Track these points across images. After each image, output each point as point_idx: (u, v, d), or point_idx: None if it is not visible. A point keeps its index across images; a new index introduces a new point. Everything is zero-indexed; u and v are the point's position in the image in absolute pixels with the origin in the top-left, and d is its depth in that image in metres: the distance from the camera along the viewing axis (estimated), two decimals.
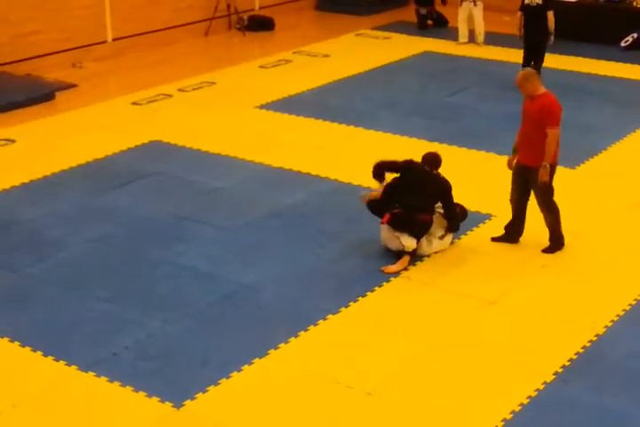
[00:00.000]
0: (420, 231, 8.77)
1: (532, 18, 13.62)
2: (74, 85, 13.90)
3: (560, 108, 8.69)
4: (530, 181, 8.88)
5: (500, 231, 9.25)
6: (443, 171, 9.13)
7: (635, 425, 6.68)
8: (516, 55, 14.65)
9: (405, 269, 8.66)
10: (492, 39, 16.33)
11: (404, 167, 8.88)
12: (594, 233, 9.50)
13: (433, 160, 8.85)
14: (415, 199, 8.73)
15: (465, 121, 12.73)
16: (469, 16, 16.25)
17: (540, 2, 13.53)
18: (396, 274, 8.58)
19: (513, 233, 9.18)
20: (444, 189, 8.84)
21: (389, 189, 8.90)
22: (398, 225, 8.71)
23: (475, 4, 16.15)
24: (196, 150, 11.53)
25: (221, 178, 10.71)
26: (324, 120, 12.61)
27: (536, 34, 13.66)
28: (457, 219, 9.02)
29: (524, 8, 13.73)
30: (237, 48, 16.64)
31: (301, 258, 8.92)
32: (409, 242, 8.70)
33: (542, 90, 8.72)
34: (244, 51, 16.38)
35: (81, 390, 6.99)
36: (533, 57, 13.77)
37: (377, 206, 8.96)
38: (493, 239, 9.23)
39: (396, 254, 8.80)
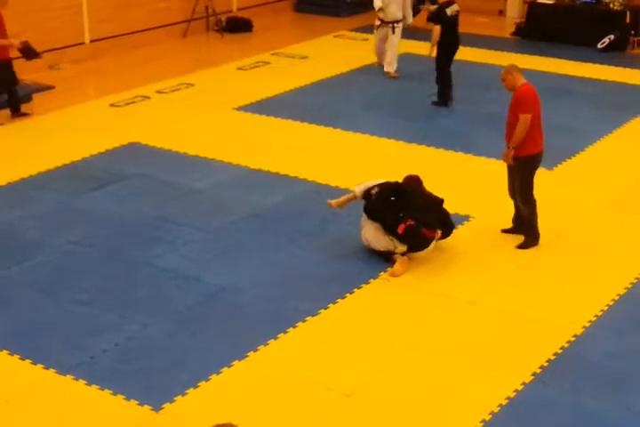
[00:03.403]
0: (420, 248, 8.79)
1: (455, 28, 12.97)
2: (51, 87, 13.82)
3: (531, 95, 8.80)
4: (513, 171, 8.96)
5: (478, 233, 9.28)
6: (421, 171, 9.18)
7: (612, 425, 6.71)
8: (494, 57, 14.72)
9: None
10: (469, 41, 16.33)
11: (395, 189, 8.93)
12: (571, 233, 9.54)
13: (417, 180, 9.00)
14: (425, 215, 8.75)
15: (444, 122, 12.75)
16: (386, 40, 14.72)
17: (458, 9, 12.90)
18: (376, 275, 8.60)
19: (521, 224, 9.22)
20: (441, 202, 8.96)
21: (380, 198, 8.90)
22: (409, 237, 8.69)
23: (393, 32, 14.60)
24: (174, 152, 11.50)
25: (200, 180, 10.69)
26: (302, 122, 12.60)
27: (456, 43, 13.08)
28: (452, 227, 9.07)
29: (447, 20, 12.81)
30: (215, 50, 16.61)
31: (280, 260, 8.91)
32: (401, 246, 8.74)
33: (522, 81, 8.83)
34: (222, 52, 16.34)
35: (59, 393, 6.95)
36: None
37: (376, 210, 8.90)
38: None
39: (383, 256, 8.82)
